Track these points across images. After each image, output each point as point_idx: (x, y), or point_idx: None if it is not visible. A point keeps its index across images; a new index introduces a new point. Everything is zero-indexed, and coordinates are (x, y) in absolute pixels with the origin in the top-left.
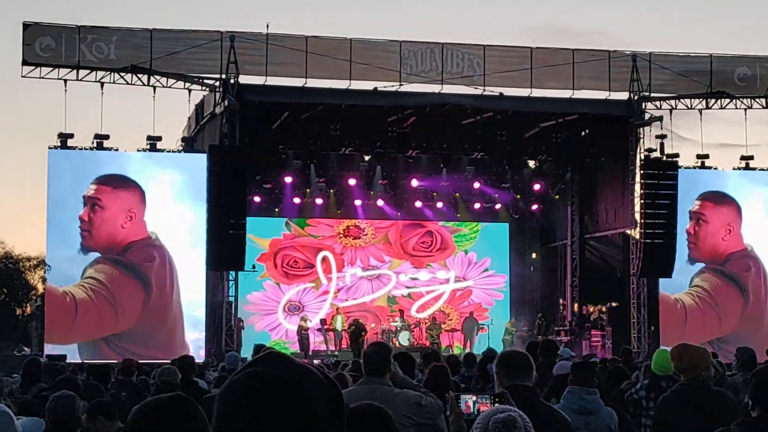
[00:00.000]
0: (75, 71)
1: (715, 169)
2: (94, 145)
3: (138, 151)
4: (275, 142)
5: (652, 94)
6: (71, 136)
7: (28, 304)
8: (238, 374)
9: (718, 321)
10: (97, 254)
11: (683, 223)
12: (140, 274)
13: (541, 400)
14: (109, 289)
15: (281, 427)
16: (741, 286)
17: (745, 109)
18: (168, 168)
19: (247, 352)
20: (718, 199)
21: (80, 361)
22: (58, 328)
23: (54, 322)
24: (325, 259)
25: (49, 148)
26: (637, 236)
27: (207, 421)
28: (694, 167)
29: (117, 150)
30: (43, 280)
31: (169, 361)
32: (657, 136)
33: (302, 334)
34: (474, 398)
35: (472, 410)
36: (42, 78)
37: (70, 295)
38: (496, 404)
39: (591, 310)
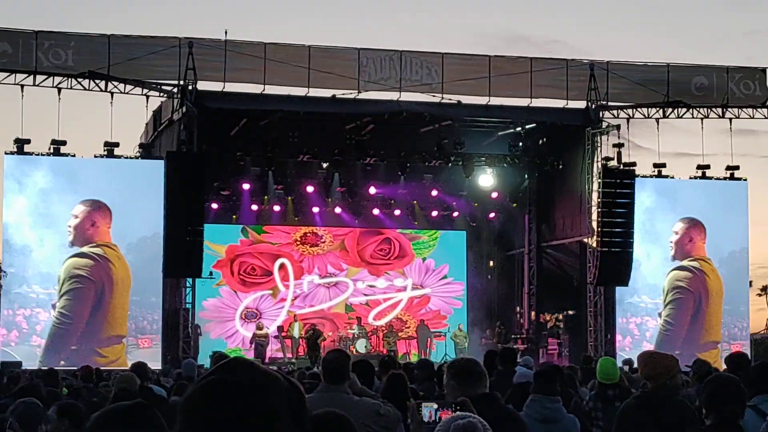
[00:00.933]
0: (32, 77)
1: (672, 177)
2: (51, 150)
3: (95, 157)
4: (233, 149)
5: (610, 103)
6: (28, 141)
7: None
8: (203, 380)
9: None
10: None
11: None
12: (106, 260)
13: (502, 404)
14: (90, 271)
15: None
16: (701, 275)
17: (702, 119)
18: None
19: (204, 359)
20: (692, 221)
21: (36, 368)
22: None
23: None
24: (282, 267)
25: (6, 153)
26: (594, 244)
27: (166, 428)
28: (651, 176)
29: (74, 156)
30: None
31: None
32: (614, 145)
33: (257, 341)
34: (435, 406)
35: (434, 418)
36: None
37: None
38: (458, 412)
39: (548, 318)
